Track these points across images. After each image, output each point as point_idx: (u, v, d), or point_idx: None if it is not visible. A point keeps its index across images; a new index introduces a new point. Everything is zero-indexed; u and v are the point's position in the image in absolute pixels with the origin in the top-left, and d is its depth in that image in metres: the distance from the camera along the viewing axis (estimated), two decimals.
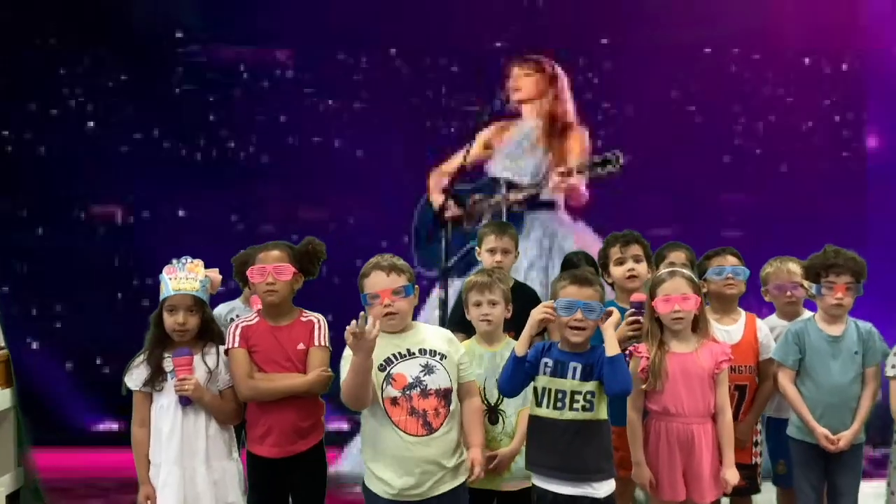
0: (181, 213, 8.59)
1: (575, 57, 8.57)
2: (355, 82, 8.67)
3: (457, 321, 4.48)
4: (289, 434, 4.13)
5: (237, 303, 5.34)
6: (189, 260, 4.08)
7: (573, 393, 3.73)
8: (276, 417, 4.13)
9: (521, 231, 8.29)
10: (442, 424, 3.67)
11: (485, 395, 4.08)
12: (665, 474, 4.03)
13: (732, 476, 4.03)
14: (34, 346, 8.53)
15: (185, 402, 3.93)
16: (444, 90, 8.67)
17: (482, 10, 8.43)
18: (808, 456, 4.44)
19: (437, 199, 8.26)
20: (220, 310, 5.27)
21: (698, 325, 4.11)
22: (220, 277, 4.19)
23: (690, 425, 4.02)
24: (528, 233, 8.30)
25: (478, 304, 4.16)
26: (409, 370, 3.71)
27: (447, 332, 3.90)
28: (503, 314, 4.19)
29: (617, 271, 4.50)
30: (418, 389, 3.66)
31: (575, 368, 3.76)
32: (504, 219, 8.31)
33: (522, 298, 4.79)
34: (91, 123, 8.65)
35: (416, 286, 3.84)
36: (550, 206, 8.37)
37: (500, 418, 4.10)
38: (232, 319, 5.16)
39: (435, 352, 3.73)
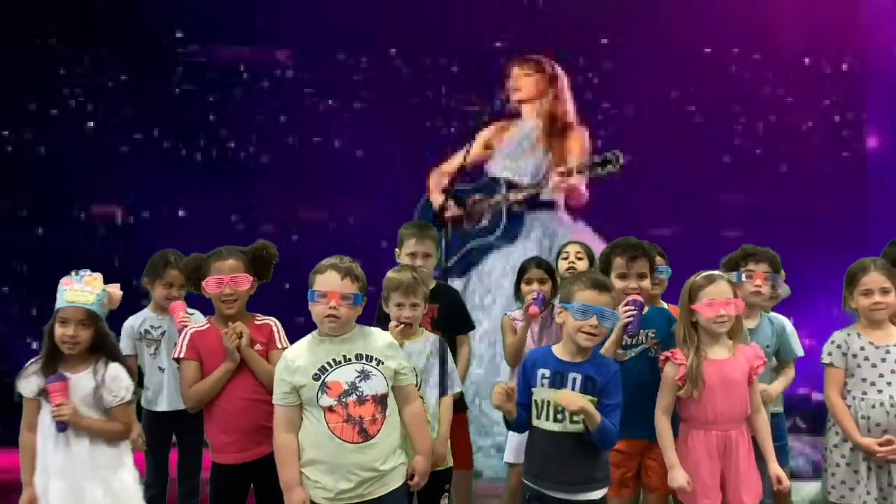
0: (181, 213, 8.60)
1: (575, 57, 8.57)
2: (355, 82, 8.67)
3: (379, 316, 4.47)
4: (252, 435, 4.08)
5: (147, 312, 5.17)
6: (87, 273, 4.01)
7: None
8: (236, 420, 4.10)
9: (521, 231, 8.32)
10: (379, 431, 3.63)
11: None
12: (702, 482, 3.99)
13: (781, 472, 4.04)
14: (34, 346, 8.52)
15: (62, 427, 3.87)
16: (444, 90, 8.67)
17: (482, 10, 8.43)
18: None
19: (437, 199, 8.26)
20: (132, 321, 5.14)
21: (734, 330, 4.09)
22: (120, 293, 4.06)
23: (729, 431, 4.02)
24: (529, 233, 8.30)
25: (400, 306, 4.17)
26: (344, 377, 3.64)
27: (389, 337, 3.84)
28: (422, 315, 4.23)
29: (617, 285, 4.31)
30: (354, 396, 3.61)
31: (574, 379, 3.70)
32: (504, 219, 8.33)
33: (446, 299, 4.84)
34: (91, 123, 8.66)
35: (365, 298, 3.76)
36: (550, 206, 8.37)
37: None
38: (147, 331, 5.12)
39: (372, 357, 3.68)
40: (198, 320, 4.50)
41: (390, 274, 4.30)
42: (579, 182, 8.26)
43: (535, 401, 3.74)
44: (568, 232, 8.25)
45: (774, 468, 4.05)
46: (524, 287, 5.09)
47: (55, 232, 8.55)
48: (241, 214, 8.54)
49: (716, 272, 4.19)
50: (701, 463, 4.01)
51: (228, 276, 4.13)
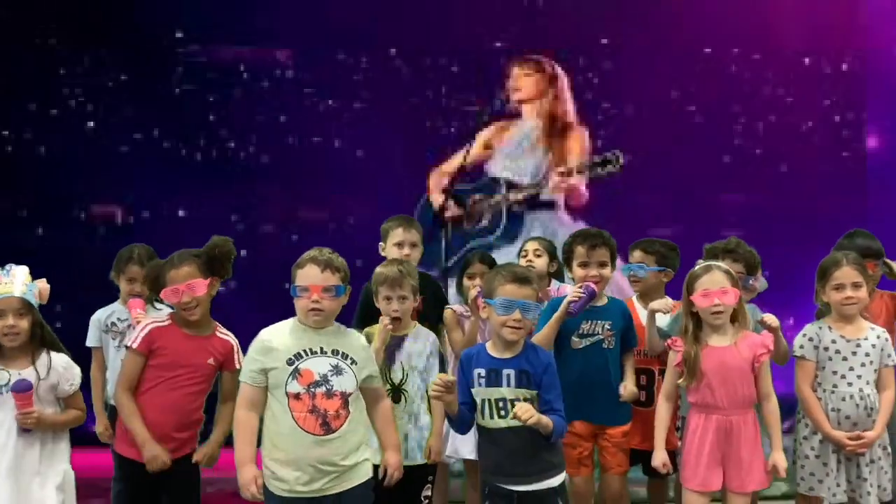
0: (181, 213, 8.59)
1: (575, 57, 8.58)
2: (355, 82, 8.67)
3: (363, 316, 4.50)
4: (158, 442, 4.08)
5: (116, 305, 5.23)
6: (14, 267, 4.03)
7: (513, 400, 3.67)
8: (150, 427, 4.09)
9: (521, 231, 8.31)
10: (341, 426, 3.62)
11: (389, 375, 4.18)
12: (700, 464, 4.06)
13: (781, 460, 4.05)
14: None
15: (28, 430, 3.88)
16: (444, 90, 8.67)
17: (482, 10, 8.43)
18: None
19: (437, 199, 8.26)
20: (100, 314, 5.17)
21: (736, 317, 4.11)
22: (48, 287, 4.07)
23: (730, 416, 4.05)
24: (528, 233, 8.29)
25: (388, 299, 4.20)
26: (317, 367, 3.64)
27: (364, 341, 3.85)
28: (411, 307, 4.28)
29: (579, 273, 4.47)
30: (324, 388, 3.61)
31: (508, 376, 3.70)
32: (504, 219, 8.33)
33: (429, 290, 4.88)
34: (91, 123, 8.64)
35: (349, 287, 3.77)
36: (550, 206, 8.37)
37: (403, 397, 4.21)
38: (113, 323, 5.14)
39: (347, 355, 3.70)
40: (160, 317, 4.44)
41: (377, 269, 4.34)
42: (579, 182, 8.26)
43: (476, 401, 3.74)
44: (568, 232, 8.24)
45: (776, 456, 4.05)
46: (466, 281, 5.09)
47: (55, 232, 8.53)
48: (241, 214, 8.53)
49: (713, 262, 4.24)
50: (701, 445, 4.06)
51: (184, 285, 4.12)
